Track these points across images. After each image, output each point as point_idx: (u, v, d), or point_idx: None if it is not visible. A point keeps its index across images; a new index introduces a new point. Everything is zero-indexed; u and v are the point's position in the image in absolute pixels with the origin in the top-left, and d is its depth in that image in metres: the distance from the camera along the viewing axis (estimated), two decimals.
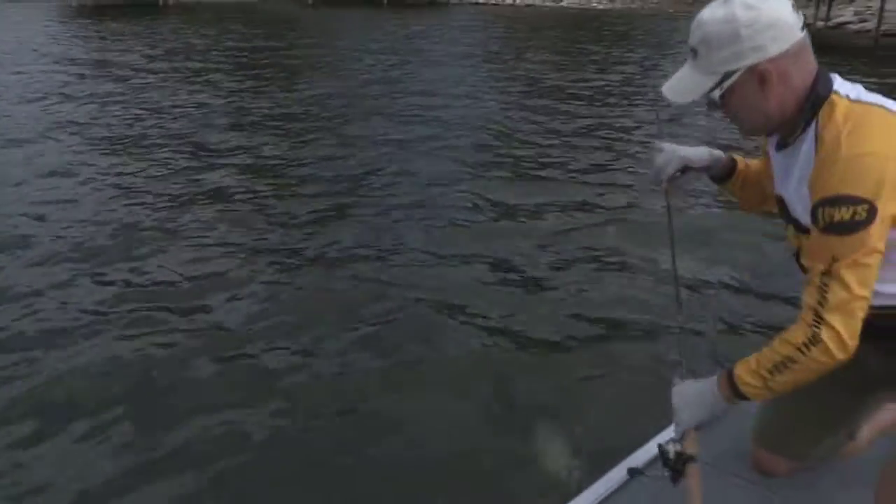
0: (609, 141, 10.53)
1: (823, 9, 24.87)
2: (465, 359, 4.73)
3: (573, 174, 8.96)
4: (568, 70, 17.10)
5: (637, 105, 12.84)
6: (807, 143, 1.75)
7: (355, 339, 4.93)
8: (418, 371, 4.57)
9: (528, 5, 45.84)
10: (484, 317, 5.25)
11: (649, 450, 2.44)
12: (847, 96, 1.72)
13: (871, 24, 24.77)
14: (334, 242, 6.64)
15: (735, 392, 1.81)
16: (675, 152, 2.16)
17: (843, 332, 1.65)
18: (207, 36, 23.86)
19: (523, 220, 7.33)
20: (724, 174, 2.20)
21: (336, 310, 5.35)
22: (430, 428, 4.00)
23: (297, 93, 14.57)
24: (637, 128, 11.23)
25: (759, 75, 1.72)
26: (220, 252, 6.41)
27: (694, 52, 1.79)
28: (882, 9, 23.40)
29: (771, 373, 1.74)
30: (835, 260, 1.65)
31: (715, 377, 1.87)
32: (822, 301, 1.66)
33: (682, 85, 1.83)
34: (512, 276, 5.97)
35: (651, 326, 5.04)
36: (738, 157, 2.21)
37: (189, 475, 3.64)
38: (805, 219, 1.77)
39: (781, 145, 1.86)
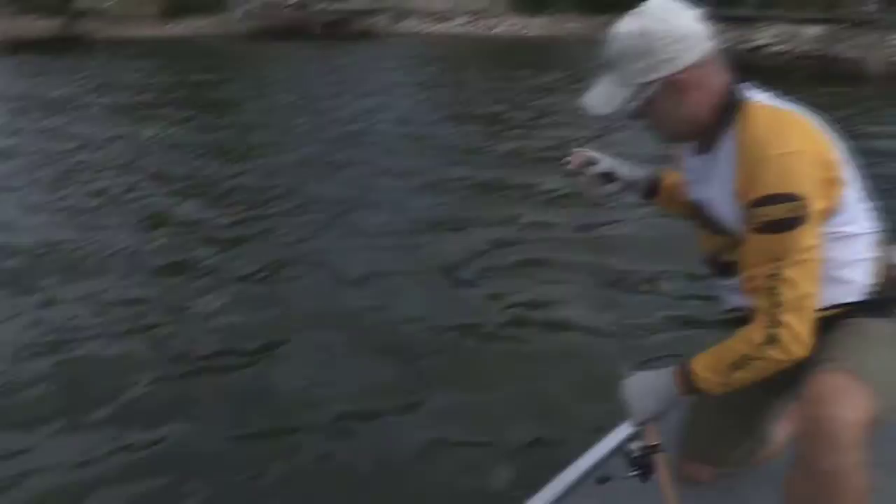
0: (541, 160, 10.66)
1: (743, 32, 25.63)
2: (412, 369, 4.81)
3: (506, 191, 9.13)
4: (499, 94, 17.33)
5: (566, 124, 13.02)
6: (726, 147, 1.81)
7: (304, 353, 5.01)
8: (373, 381, 4.62)
9: (459, 34, 46.20)
10: (428, 328, 5.36)
11: (602, 448, 2.49)
12: (762, 101, 1.81)
13: (788, 47, 25.63)
14: (270, 262, 6.72)
15: (690, 388, 1.84)
16: (601, 157, 2.19)
17: (799, 331, 1.70)
18: (140, 70, 23.52)
19: (460, 234, 7.48)
20: (650, 191, 2.24)
21: (281, 327, 5.41)
22: (384, 434, 4.08)
23: (231, 124, 14.50)
24: (566, 146, 11.40)
25: (673, 85, 1.78)
26: (165, 275, 6.47)
27: (610, 64, 1.85)
28: (798, 33, 24.31)
29: (729, 369, 1.77)
30: (777, 259, 1.69)
31: (669, 370, 1.88)
32: (775, 303, 1.70)
33: (601, 97, 1.88)
34: (452, 287, 6.13)
35: (596, 326, 5.04)
36: (666, 174, 2.24)
37: (144, 487, 3.66)
38: (726, 220, 1.83)
39: (701, 150, 1.92)
